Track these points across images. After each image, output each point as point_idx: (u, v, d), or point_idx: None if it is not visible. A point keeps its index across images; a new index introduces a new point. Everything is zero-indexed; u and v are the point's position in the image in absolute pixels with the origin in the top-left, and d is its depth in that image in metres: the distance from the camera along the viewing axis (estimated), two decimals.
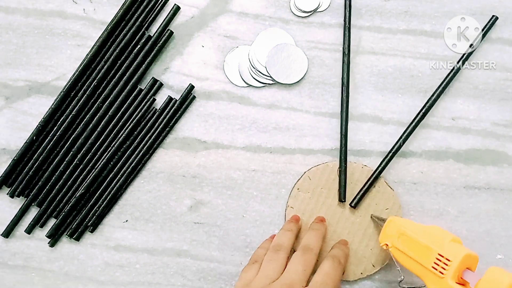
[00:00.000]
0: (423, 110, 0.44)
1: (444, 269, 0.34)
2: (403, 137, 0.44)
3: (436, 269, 0.34)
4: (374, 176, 0.43)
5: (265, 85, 0.45)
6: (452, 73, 0.44)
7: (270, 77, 0.45)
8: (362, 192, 0.43)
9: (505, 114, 0.45)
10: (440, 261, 0.34)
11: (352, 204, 0.43)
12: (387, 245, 0.38)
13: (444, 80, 0.44)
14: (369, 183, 0.43)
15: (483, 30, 0.44)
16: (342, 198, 0.43)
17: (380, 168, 0.43)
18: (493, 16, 0.45)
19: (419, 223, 0.39)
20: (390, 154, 0.43)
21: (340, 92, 0.44)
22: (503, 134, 0.45)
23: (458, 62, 0.44)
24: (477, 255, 0.35)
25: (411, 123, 0.44)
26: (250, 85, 0.45)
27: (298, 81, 0.45)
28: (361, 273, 0.43)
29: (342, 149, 0.43)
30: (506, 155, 0.44)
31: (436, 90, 0.44)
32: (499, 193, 0.44)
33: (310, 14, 0.46)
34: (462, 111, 0.45)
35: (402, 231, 0.37)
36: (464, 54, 0.45)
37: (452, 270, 0.34)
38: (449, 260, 0.34)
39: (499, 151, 0.44)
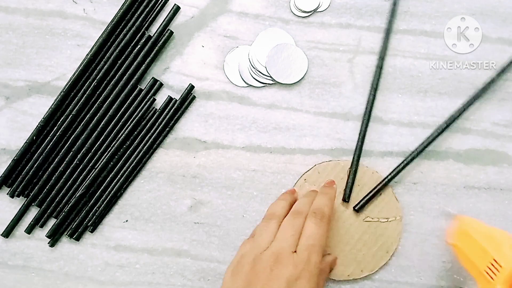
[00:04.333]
0: (451, 117, 0.44)
1: (495, 274, 0.33)
2: (417, 150, 0.43)
3: (488, 273, 0.33)
4: (382, 183, 0.43)
5: (265, 85, 0.45)
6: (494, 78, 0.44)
7: (270, 77, 0.45)
8: (367, 198, 0.43)
9: (505, 114, 0.45)
10: (493, 266, 0.33)
11: (356, 208, 0.43)
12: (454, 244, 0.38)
13: (485, 85, 0.44)
14: (375, 190, 0.43)
15: None
16: (346, 198, 0.43)
17: (389, 177, 0.43)
18: None
19: (490, 226, 0.37)
20: (403, 165, 0.43)
21: (368, 94, 0.44)
22: (503, 134, 0.44)
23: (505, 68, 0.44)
24: None
25: (434, 132, 0.44)
26: (250, 85, 0.45)
27: (298, 81, 0.45)
28: (348, 276, 0.42)
29: (356, 151, 0.43)
30: (506, 155, 0.44)
31: (473, 95, 0.44)
32: (499, 193, 0.44)
33: (310, 14, 0.46)
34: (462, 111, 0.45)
35: (464, 229, 0.37)
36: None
37: (503, 277, 0.32)
38: (501, 266, 0.33)
39: (499, 151, 0.44)
